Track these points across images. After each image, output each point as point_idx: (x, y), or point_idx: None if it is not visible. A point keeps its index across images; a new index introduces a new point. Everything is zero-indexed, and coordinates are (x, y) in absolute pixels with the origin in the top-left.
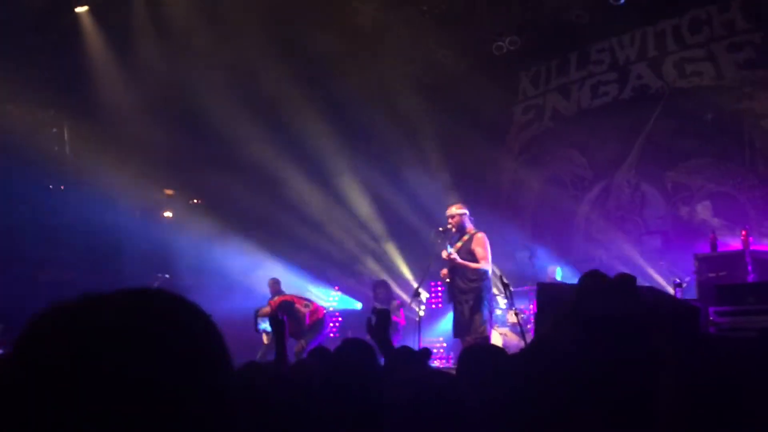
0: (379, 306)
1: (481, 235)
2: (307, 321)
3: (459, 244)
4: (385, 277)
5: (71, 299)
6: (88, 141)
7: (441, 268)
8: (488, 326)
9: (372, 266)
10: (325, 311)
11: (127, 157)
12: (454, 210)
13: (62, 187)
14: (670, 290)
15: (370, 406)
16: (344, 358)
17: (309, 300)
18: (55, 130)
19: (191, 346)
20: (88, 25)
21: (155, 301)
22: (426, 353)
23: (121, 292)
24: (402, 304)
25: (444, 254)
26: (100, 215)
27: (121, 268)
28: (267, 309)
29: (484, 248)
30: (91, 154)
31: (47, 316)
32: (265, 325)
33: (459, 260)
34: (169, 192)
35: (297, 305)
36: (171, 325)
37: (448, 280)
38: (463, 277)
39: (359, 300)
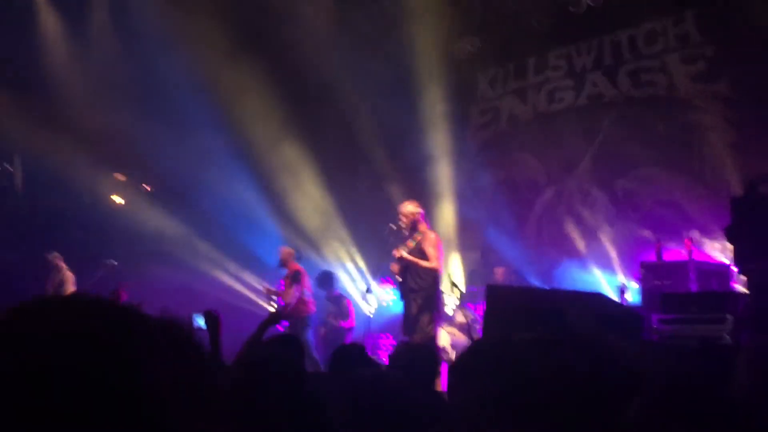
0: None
1: (433, 235)
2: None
3: (412, 243)
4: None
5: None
6: (38, 122)
7: (392, 265)
8: (435, 326)
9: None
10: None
11: (78, 139)
12: (409, 208)
13: (9, 168)
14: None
15: (295, 401)
16: (267, 355)
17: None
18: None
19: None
20: (43, 5)
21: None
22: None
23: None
24: (350, 309)
25: (395, 253)
26: (47, 198)
27: (68, 253)
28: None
29: (436, 248)
30: (41, 136)
31: None
32: (201, 322)
33: (408, 257)
34: (119, 177)
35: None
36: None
37: (399, 279)
38: (414, 276)
39: None
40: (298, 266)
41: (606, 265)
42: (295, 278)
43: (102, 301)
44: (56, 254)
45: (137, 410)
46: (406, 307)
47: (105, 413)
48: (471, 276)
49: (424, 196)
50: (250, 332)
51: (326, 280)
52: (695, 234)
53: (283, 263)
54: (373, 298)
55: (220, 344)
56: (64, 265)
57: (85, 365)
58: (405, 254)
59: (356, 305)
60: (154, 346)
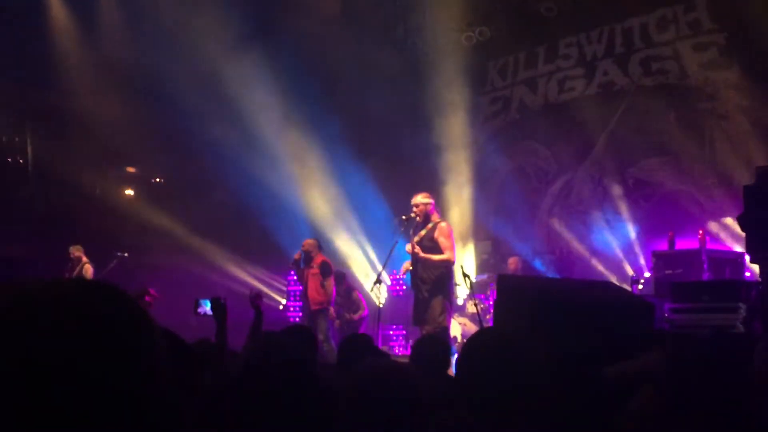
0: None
1: (444, 224)
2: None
3: (423, 232)
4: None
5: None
6: (49, 116)
7: (404, 256)
8: (447, 316)
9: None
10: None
11: (89, 133)
12: (420, 199)
13: (20, 161)
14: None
15: (304, 391)
16: (280, 341)
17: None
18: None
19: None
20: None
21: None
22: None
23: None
24: (361, 299)
25: (408, 248)
26: (59, 191)
27: (79, 245)
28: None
29: (448, 238)
30: (52, 129)
31: None
32: (207, 308)
33: (422, 254)
34: (130, 170)
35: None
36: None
37: (410, 268)
38: (425, 267)
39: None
40: (324, 257)
41: (617, 255)
42: (327, 268)
43: (106, 297)
44: (78, 246)
45: (139, 412)
46: (417, 297)
47: (107, 414)
48: (482, 266)
49: (435, 186)
50: (252, 320)
51: (338, 279)
52: (707, 222)
53: (309, 255)
54: (383, 288)
55: (226, 331)
56: (85, 258)
57: (87, 365)
58: (418, 249)
59: (366, 296)
60: (157, 347)
